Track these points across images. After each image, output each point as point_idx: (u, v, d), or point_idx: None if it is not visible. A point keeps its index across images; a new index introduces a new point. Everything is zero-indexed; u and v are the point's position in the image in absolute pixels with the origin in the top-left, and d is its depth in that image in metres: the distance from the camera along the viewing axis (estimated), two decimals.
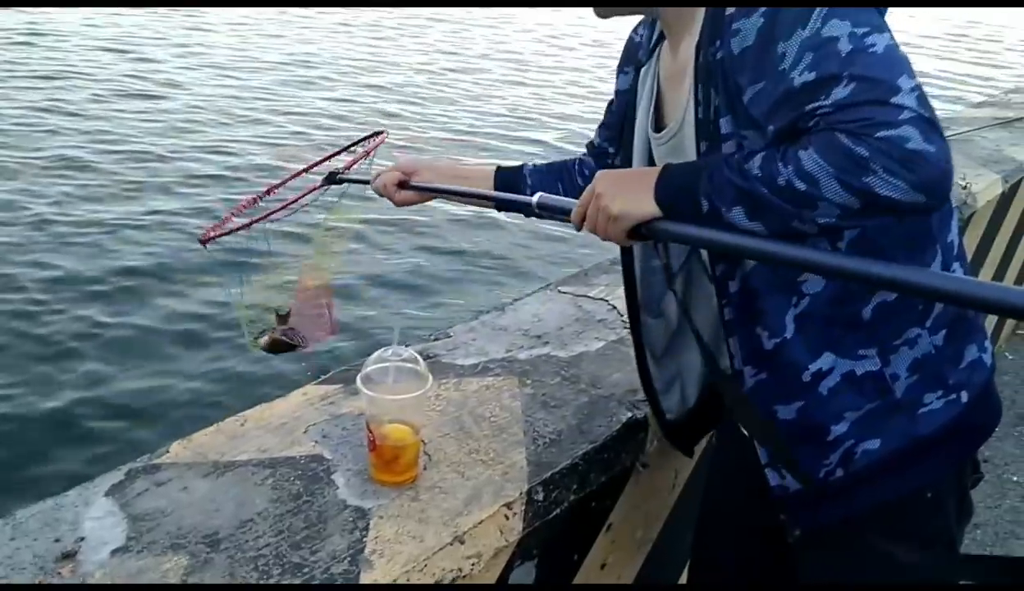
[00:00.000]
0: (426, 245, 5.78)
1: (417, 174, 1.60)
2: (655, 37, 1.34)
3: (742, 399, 1.23)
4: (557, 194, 1.33)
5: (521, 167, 1.61)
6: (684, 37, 1.20)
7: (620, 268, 2.23)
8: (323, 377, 1.60)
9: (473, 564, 1.24)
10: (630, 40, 1.44)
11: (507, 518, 1.30)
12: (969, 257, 3.21)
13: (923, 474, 1.17)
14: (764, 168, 1.01)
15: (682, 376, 1.46)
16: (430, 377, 1.31)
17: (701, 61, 1.11)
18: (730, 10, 1.06)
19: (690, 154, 1.18)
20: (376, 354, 1.33)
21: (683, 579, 1.88)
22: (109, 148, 6.87)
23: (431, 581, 1.19)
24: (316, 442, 1.41)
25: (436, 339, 1.76)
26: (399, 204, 1.63)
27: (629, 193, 1.14)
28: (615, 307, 1.97)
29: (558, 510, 1.38)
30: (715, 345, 1.30)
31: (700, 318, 1.31)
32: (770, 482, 1.24)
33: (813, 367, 1.16)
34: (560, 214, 1.28)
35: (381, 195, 1.64)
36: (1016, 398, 3.89)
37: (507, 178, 1.58)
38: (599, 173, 1.19)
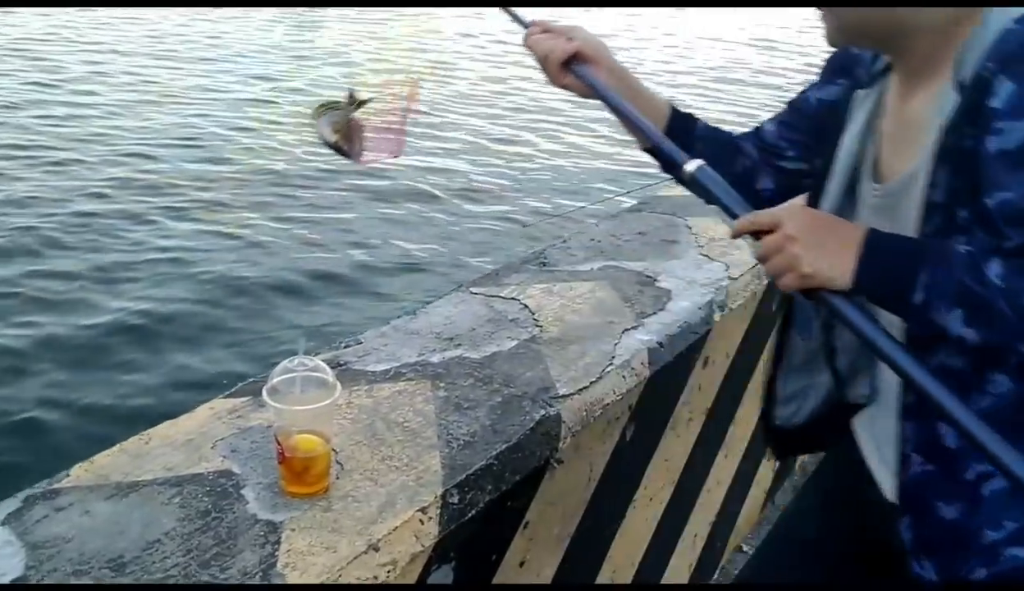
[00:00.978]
0: (332, 249, 5.70)
1: (595, 63, 1.34)
2: (881, 66, 1.22)
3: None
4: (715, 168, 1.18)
5: (695, 119, 1.44)
6: (921, 88, 1.12)
7: (532, 268, 2.27)
8: (230, 390, 1.57)
9: (389, 571, 1.23)
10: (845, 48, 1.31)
11: (422, 523, 1.30)
12: None
13: None
14: (1008, 280, 0.94)
15: (807, 392, 1.39)
16: (338, 385, 1.30)
17: (948, 144, 1.03)
18: (996, 102, 0.97)
19: (904, 223, 1.10)
20: (282, 365, 1.31)
21: (602, 573, 1.91)
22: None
23: None
24: (224, 457, 1.38)
25: (347, 346, 1.74)
26: (560, 86, 1.37)
27: (827, 253, 1.01)
28: (527, 306, 1.98)
29: (474, 511, 1.39)
30: (850, 371, 1.30)
31: (843, 342, 1.29)
32: (912, 568, 1.19)
33: (980, 468, 1.10)
34: (719, 204, 1.15)
35: (532, 53, 1.36)
36: None
37: (680, 126, 1.40)
38: (795, 207, 1.08)
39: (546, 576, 1.69)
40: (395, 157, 1.52)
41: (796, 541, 1.54)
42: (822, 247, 1.02)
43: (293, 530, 1.23)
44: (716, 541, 2.61)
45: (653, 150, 1.39)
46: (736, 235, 1.12)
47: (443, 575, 1.36)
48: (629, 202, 2.83)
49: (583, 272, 2.20)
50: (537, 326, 1.89)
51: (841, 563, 1.44)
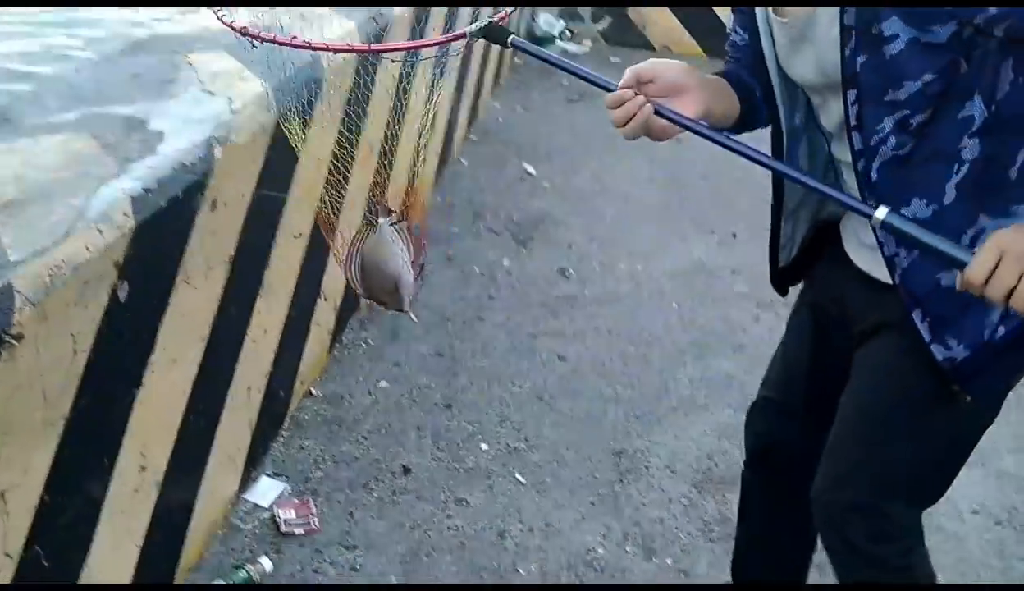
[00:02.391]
0: None
1: (684, 92, 1.27)
2: None
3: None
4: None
5: (749, 87, 1.45)
6: None
7: None
8: None
9: None
10: None
11: None
12: None
13: None
14: None
15: (797, 228, 1.56)
16: None
17: None
18: None
19: (823, 47, 1.26)
20: None
21: (126, 449, 1.74)
22: None
23: None
24: None
25: None
26: (658, 137, 1.28)
27: None
28: None
29: None
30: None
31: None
32: (936, 357, 1.31)
33: (971, 231, 1.24)
34: (938, 256, 1.14)
35: (625, 119, 1.25)
36: (472, 197, 4.28)
37: (747, 104, 1.44)
38: (1000, 233, 1.10)
39: (40, 465, 1.49)
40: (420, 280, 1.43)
41: (796, 377, 1.70)
42: None
43: None
44: (278, 391, 2.55)
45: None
46: (979, 286, 1.10)
47: None
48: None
49: (56, 124, 1.90)
50: None
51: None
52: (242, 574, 2.09)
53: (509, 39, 1.32)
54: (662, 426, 2.86)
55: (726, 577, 2.30)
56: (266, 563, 2.16)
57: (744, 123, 1.47)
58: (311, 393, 2.82)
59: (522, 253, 3.87)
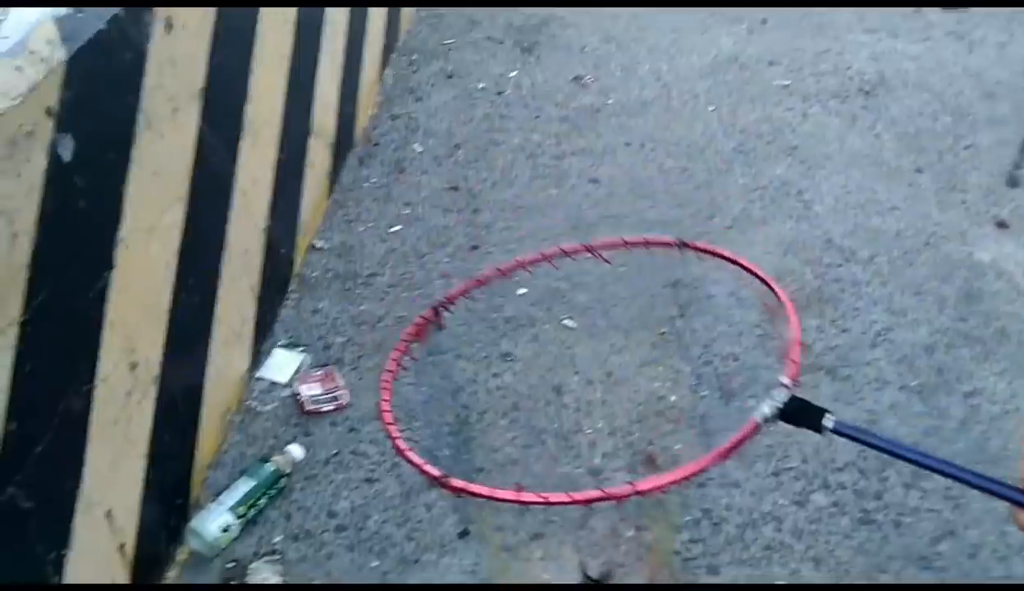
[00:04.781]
0: None
1: None
2: None
3: None
4: None
5: None
6: None
7: None
8: None
9: None
10: None
11: None
12: None
13: None
14: None
15: None
16: None
17: None
18: None
19: None
20: None
21: (106, 361, 1.38)
22: None
23: None
24: None
25: None
26: None
27: None
28: None
29: None
30: None
31: None
32: None
33: None
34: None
35: None
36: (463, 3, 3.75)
37: None
38: None
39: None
40: None
41: None
42: None
43: None
44: (279, 248, 2.18)
45: None
46: None
47: None
48: None
49: None
50: None
51: None
52: (270, 468, 1.79)
53: (826, 422, 0.89)
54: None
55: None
56: (296, 451, 1.86)
57: None
58: (315, 246, 2.44)
59: (530, 62, 3.40)
